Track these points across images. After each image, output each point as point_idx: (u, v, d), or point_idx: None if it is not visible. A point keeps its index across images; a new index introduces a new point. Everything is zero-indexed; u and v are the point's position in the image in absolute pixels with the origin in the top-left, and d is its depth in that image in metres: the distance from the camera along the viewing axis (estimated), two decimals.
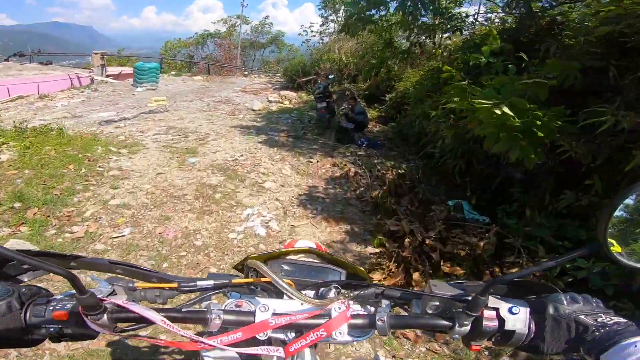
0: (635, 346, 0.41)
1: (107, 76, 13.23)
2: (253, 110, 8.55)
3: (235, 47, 20.12)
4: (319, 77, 12.15)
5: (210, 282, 0.58)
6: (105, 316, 0.46)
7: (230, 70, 18.19)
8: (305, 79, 12.01)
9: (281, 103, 9.49)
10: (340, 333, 0.51)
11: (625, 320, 0.47)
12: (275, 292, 0.60)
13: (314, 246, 0.87)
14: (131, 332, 0.50)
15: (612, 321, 0.47)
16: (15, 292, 0.48)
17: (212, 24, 22.37)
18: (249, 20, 21.93)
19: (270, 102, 9.53)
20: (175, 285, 0.57)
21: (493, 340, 0.53)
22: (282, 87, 12.69)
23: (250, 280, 0.60)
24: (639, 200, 0.45)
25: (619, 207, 0.44)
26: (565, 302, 0.50)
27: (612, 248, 0.45)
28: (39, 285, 0.54)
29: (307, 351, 0.54)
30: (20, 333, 0.48)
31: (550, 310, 0.50)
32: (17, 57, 15.11)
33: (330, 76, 8.87)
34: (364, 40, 10.74)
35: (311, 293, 0.61)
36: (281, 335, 0.54)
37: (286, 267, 0.67)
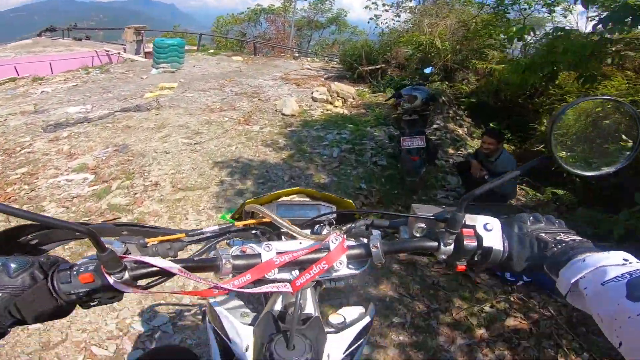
0: (584, 260, 0.44)
1: (146, 54, 11.30)
2: (283, 115, 5.46)
3: (289, 25, 17.16)
4: (389, 68, 8.70)
5: (215, 228, 0.62)
6: (126, 273, 0.47)
7: (281, 51, 15.36)
8: (369, 67, 8.59)
9: (330, 104, 6.26)
10: (340, 263, 0.54)
11: (580, 238, 0.50)
12: (275, 234, 0.65)
13: (303, 187, 0.89)
14: (152, 288, 0.51)
15: (569, 238, 0.50)
16: (35, 263, 0.47)
17: None
18: None
19: (314, 99, 6.37)
20: (182, 235, 0.60)
21: (475, 259, 0.55)
22: (337, 77, 9.42)
23: (252, 221, 0.63)
24: (573, 115, 0.55)
25: (559, 122, 0.53)
26: (528, 221, 0.54)
27: (561, 157, 0.54)
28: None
29: (309, 292, 0.59)
30: (50, 303, 0.46)
31: (515, 228, 0.54)
32: (50, 33, 13.76)
33: (426, 69, 5.02)
34: (469, 19, 6.98)
35: (307, 231, 0.64)
36: (286, 275, 0.56)
37: (280, 209, 0.67)
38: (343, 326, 0.59)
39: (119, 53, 11.82)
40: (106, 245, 0.45)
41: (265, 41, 16.97)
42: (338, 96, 6.55)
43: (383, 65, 8.65)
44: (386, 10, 9.41)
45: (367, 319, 0.62)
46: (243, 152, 4.25)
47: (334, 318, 0.60)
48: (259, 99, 6.36)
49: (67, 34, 14.02)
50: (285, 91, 7.06)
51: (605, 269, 0.41)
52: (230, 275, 0.53)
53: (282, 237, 0.64)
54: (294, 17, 17.03)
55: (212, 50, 12.69)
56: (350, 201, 0.71)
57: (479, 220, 0.55)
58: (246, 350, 0.51)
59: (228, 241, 0.63)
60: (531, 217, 0.55)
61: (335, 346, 0.55)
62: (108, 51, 12.04)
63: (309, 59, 13.52)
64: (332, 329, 0.58)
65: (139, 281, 0.50)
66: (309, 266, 0.53)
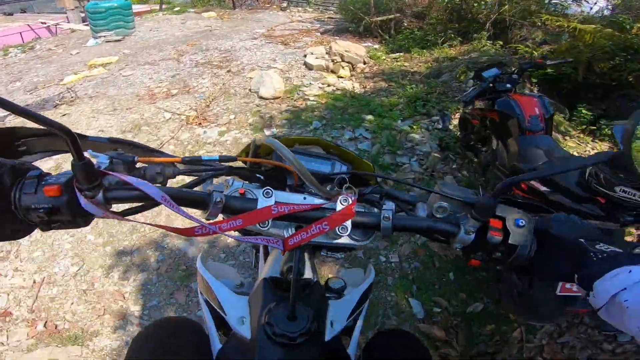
0: (630, 271, 0.39)
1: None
2: (260, 98, 3.45)
3: None
4: (405, 18, 6.37)
5: (215, 156, 0.52)
6: (100, 193, 0.42)
7: (267, 1, 12.68)
8: (379, 18, 6.34)
9: (332, 73, 4.20)
10: (344, 229, 0.48)
11: (621, 250, 0.44)
12: (279, 181, 0.57)
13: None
14: (125, 215, 0.44)
15: (609, 249, 0.44)
16: (6, 165, 0.39)
17: None
18: None
19: (308, 66, 4.29)
20: (178, 159, 0.50)
21: (494, 255, 0.48)
22: (336, 31, 7.17)
23: (257, 160, 0.55)
24: None
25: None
26: (568, 224, 0.47)
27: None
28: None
29: (306, 257, 0.56)
30: (7, 215, 0.40)
31: (554, 230, 0.46)
32: None
33: (489, 72, 2.10)
34: None
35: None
36: (281, 231, 0.50)
37: (295, 155, 0.52)
38: (344, 290, 0.57)
39: (57, 24, 9.45)
40: (86, 155, 0.40)
41: None
42: (342, 60, 4.42)
43: (397, 14, 6.36)
44: None
45: (368, 281, 0.60)
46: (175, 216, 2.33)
47: (334, 282, 0.57)
48: (228, 71, 4.29)
49: None
50: (266, 55, 4.94)
51: None
52: (220, 217, 0.47)
53: (287, 188, 0.57)
54: None
55: (177, 8, 10.15)
56: (369, 163, 0.64)
57: (511, 213, 0.47)
58: (243, 323, 0.48)
59: (227, 179, 0.52)
60: (571, 219, 0.48)
61: (338, 312, 0.52)
62: (44, 23, 9.66)
63: (299, 8, 10.95)
64: (334, 294, 0.56)
65: (113, 205, 0.43)
66: (309, 225, 0.46)
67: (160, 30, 7.47)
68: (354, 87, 3.83)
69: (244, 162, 0.56)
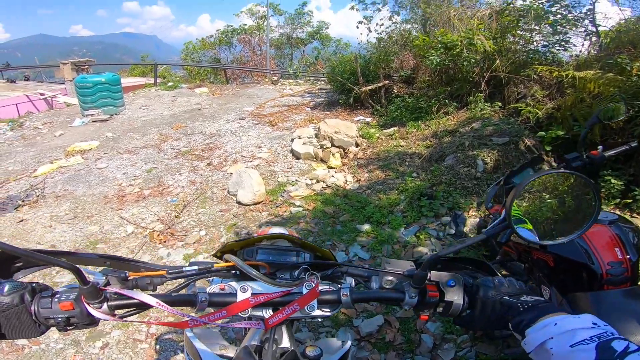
0: (556, 324, 0.45)
1: None
2: (239, 204, 3.07)
3: (264, 44, 15.03)
4: (394, 85, 6.40)
5: (195, 267, 0.63)
6: (105, 304, 0.53)
7: (260, 75, 13.18)
8: (369, 87, 6.33)
9: (322, 162, 3.92)
10: (312, 307, 0.59)
11: (544, 299, 0.54)
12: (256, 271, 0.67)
13: (286, 232, 0.89)
14: (129, 317, 0.56)
15: (532, 299, 0.53)
16: (28, 287, 0.53)
17: (235, 16, 17.42)
18: (280, 9, 16.56)
19: (295, 155, 4.02)
20: (163, 272, 0.61)
21: (437, 310, 0.60)
22: (327, 104, 7.17)
23: (229, 264, 0.63)
24: (534, 186, 0.60)
25: (519, 197, 0.57)
26: (493, 286, 0.57)
27: (522, 225, 0.57)
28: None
29: (284, 328, 0.65)
30: (29, 323, 0.52)
31: (481, 293, 0.56)
32: None
33: (622, 109, 1.40)
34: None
35: (286, 274, 0.68)
36: (260, 313, 0.60)
37: (261, 252, 0.70)
38: (320, 359, 0.61)
39: (54, 96, 9.54)
40: (88, 276, 0.52)
41: (240, 65, 14.80)
42: (333, 145, 4.17)
43: (386, 82, 6.37)
44: (379, 10, 7.11)
45: (343, 350, 0.69)
46: None
47: (311, 351, 0.62)
48: (209, 164, 3.98)
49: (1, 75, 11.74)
50: (252, 140, 4.70)
51: (575, 331, 0.43)
52: (207, 310, 0.57)
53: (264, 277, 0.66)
54: (269, 35, 14.91)
55: (170, 84, 10.38)
56: (328, 250, 0.72)
57: (443, 277, 0.59)
58: None
59: (209, 279, 0.65)
60: (496, 281, 0.58)
61: None
62: (42, 94, 9.76)
63: (290, 81, 11.29)
64: None
65: (117, 310, 0.54)
66: (283, 307, 0.58)
67: (149, 108, 7.43)
68: (346, 180, 3.49)
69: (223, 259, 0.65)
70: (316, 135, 4.53)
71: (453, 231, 2.65)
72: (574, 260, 1.23)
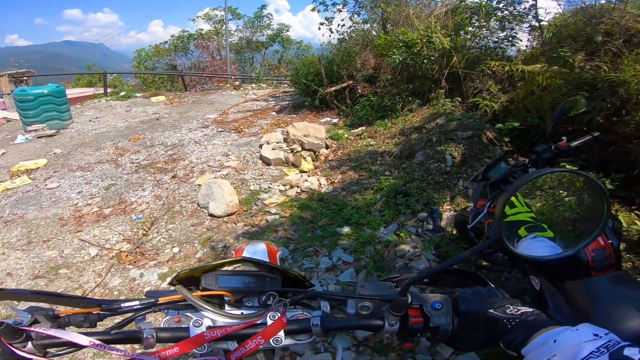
0: (555, 340, 0.42)
1: None
2: (211, 217, 2.92)
3: (223, 49, 14.64)
4: (358, 84, 6.48)
5: (135, 303, 0.57)
6: (30, 344, 0.48)
7: (220, 81, 12.80)
8: (334, 88, 6.36)
9: (293, 167, 3.85)
10: (278, 339, 0.53)
11: (532, 310, 0.48)
12: (217, 303, 0.61)
13: (262, 249, 0.88)
14: (62, 357, 0.52)
15: (519, 311, 0.48)
16: None
17: (191, 21, 16.84)
18: (238, 13, 16.22)
19: (265, 161, 3.91)
20: (97, 309, 0.56)
21: (423, 335, 0.53)
22: (293, 107, 7.11)
23: (176, 297, 0.58)
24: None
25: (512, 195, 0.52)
26: (472, 298, 0.51)
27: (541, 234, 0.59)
28: None
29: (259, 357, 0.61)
30: None
31: (462, 307, 0.50)
32: None
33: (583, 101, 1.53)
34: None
35: (254, 300, 0.62)
36: (223, 345, 0.55)
37: (221, 279, 0.63)
38: None
39: None
40: (15, 313, 0.60)
41: (199, 71, 14.29)
42: (303, 149, 4.11)
43: (350, 82, 6.44)
44: (339, 10, 7.17)
45: None
46: None
47: None
48: (174, 176, 3.75)
49: None
50: (218, 149, 4.51)
51: (579, 345, 0.40)
52: (157, 347, 0.51)
53: (226, 305, 0.62)
54: (229, 39, 14.54)
55: (123, 93, 9.77)
56: (299, 274, 0.65)
57: (428, 300, 0.52)
58: None
59: (164, 310, 0.58)
60: (475, 291, 0.52)
61: None
62: None
63: (253, 85, 11.08)
64: None
65: (49, 349, 0.50)
66: (246, 340, 0.52)
67: (101, 120, 6.92)
68: (320, 183, 3.44)
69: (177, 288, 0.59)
70: (285, 140, 4.45)
71: (431, 226, 2.70)
72: None
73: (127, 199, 3.34)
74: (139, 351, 0.53)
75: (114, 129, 6.13)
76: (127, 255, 2.48)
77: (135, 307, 0.57)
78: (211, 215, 2.84)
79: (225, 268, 0.66)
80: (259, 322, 0.54)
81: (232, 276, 0.64)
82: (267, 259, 0.83)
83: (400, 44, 4.64)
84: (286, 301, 0.57)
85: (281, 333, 0.52)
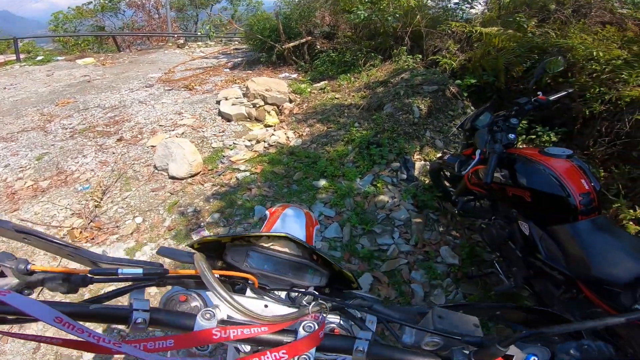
0: None
1: None
2: (172, 179, 2.58)
3: (162, 6, 12.95)
4: (317, 41, 6.09)
5: (138, 271, 0.42)
6: None
7: (160, 40, 11.42)
8: (292, 44, 5.96)
9: (256, 121, 3.54)
10: (307, 358, 0.40)
11: None
12: (239, 287, 0.50)
13: (301, 218, 0.72)
14: (11, 329, 0.35)
15: None
16: None
17: None
18: None
19: (225, 117, 3.55)
20: (85, 271, 0.42)
21: None
22: (248, 63, 6.58)
23: (190, 272, 0.44)
24: None
25: None
26: (579, 355, 0.40)
27: None
28: None
29: None
30: None
31: None
32: None
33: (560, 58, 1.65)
34: None
35: (282, 294, 0.49)
36: (236, 344, 0.43)
37: (254, 256, 0.50)
38: None
39: None
40: None
41: (134, 31, 12.61)
42: (266, 103, 3.77)
43: (309, 38, 6.05)
44: None
45: None
46: None
47: None
48: (119, 139, 3.26)
49: None
50: (169, 107, 4.00)
51: None
52: (150, 332, 0.37)
53: (247, 290, 0.48)
54: None
55: (40, 57, 8.34)
56: (350, 274, 0.51)
57: (520, 353, 0.40)
58: None
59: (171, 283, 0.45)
60: (584, 346, 0.40)
61: None
62: None
63: (199, 43, 10.04)
64: None
65: None
66: (263, 350, 0.38)
67: (18, 86, 5.85)
68: (288, 137, 3.19)
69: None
70: (245, 95, 4.07)
71: (405, 176, 2.66)
72: (552, 194, 1.27)
73: (65, 167, 2.84)
74: (118, 335, 0.33)
75: (35, 95, 5.21)
76: (81, 232, 2.11)
77: (134, 276, 0.43)
78: (172, 177, 2.49)
79: (262, 243, 0.53)
80: (288, 329, 0.42)
81: (267, 256, 0.51)
82: (303, 231, 0.69)
83: (366, 0, 4.42)
84: (327, 306, 0.44)
85: (312, 350, 0.40)
